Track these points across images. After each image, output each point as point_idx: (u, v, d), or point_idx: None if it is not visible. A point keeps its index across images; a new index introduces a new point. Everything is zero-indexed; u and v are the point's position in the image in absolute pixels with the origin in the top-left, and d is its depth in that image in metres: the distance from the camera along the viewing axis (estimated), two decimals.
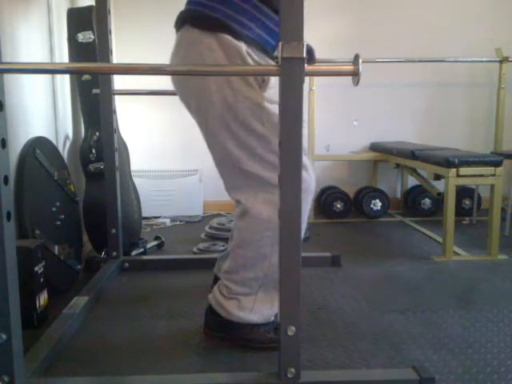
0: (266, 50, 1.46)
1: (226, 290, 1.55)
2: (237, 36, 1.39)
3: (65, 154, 2.43)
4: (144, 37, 3.45)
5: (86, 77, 2.47)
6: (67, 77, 2.52)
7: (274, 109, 1.39)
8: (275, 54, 1.46)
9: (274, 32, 1.45)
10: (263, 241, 1.47)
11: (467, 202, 3.44)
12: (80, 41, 2.46)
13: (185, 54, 1.46)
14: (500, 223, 2.48)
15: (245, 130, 1.42)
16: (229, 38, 1.39)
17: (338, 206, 3.43)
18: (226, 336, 1.57)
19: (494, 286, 2.09)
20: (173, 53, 1.51)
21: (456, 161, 2.42)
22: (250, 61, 1.40)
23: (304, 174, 1.43)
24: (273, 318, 1.57)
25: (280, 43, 1.10)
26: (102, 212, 2.27)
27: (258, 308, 1.53)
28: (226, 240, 2.74)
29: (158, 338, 1.61)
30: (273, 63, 1.48)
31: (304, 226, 1.54)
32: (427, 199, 3.49)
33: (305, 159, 1.45)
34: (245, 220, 1.50)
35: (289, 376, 1.21)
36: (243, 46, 1.39)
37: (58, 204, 2.07)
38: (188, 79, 1.47)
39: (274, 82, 1.42)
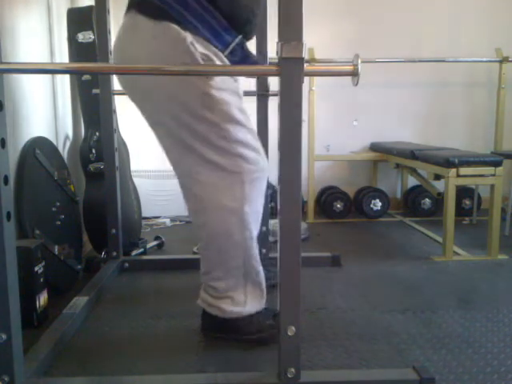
0: (210, 39, 1.42)
1: (212, 290, 1.55)
2: (182, 26, 1.37)
3: (65, 154, 2.43)
4: None
5: (86, 77, 2.47)
6: (67, 77, 2.52)
7: (223, 95, 1.40)
8: (225, 54, 1.44)
9: (220, 35, 1.42)
10: (231, 228, 1.48)
11: (467, 201, 3.44)
12: (80, 41, 2.46)
13: (129, 40, 1.45)
14: (500, 223, 2.47)
15: (195, 118, 1.42)
16: (174, 26, 1.36)
17: (338, 205, 3.43)
18: (225, 335, 1.57)
19: (494, 286, 2.09)
20: (118, 37, 1.49)
21: (456, 161, 2.42)
22: (192, 50, 1.37)
23: (253, 154, 1.47)
24: (264, 305, 1.58)
25: (279, 43, 1.10)
26: (102, 212, 2.27)
27: (250, 299, 1.54)
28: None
29: (158, 338, 1.61)
30: (221, 55, 1.44)
31: (259, 216, 1.56)
32: (427, 199, 3.49)
33: (252, 139, 1.48)
34: (207, 213, 1.50)
35: (289, 376, 1.21)
36: (188, 36, 1.36)
37: (58, 204, 2.07)
38: (136, 78, 1.46)
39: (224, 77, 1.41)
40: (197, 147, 1.44)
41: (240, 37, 1.44)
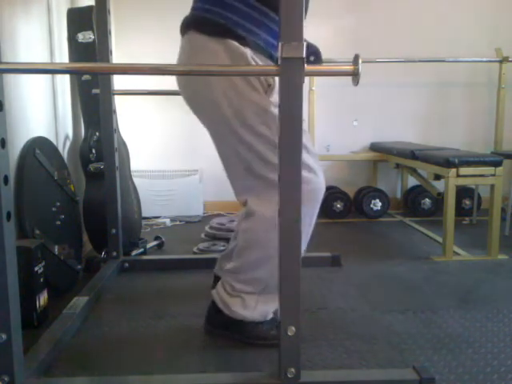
0: (272, 55, 1.46)
1: (229, 287, 1.55)
2: (242, 42, 1.39)
3: (65, 154, 2.43)
4: (144, 37, 3.45)
5: (86, 77, 2.47)
6: (67, 77, 2.52)
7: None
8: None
9: (277, 34, 1.44)
10: (270, 241, 1.47)
11: (467, 201, 3.44)
12: (80, 41, 2.46)
13: (189, 60, 1.46)
14: (500, 223, 2.48)
15: (252, 134, 1.43)
16: (235, 43, 1.38)
17: (338, 205, 3.43)
18: (228, 333, 1.57)
19: (494, 286, 2.09)
20: (178, 58, 1.51)
21: (456, 161, 2.42)
22: (254, 64, 1.40)
23: (307, 173, 1.44)
24: (271, 315, 1.58)
25: (280, 43, 1.10)
26: (102, 212, 2.27)
27: (260, 307, 1.54)
28: (226, 240, 2.74)
29: (158, 338, 1.61)
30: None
31: (309, 231, 1.56)
32: (427, 199, 3.49)
33: (308, 159, 1.46)
34: (251, 221, 1.50)
35: (289, 376, 1.21)
36: (249, 52, 1.39)
37: (58, 204, 2.07)
38: (196, 87, 1.47)
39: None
40: (252, 162, 1.45)
41: None
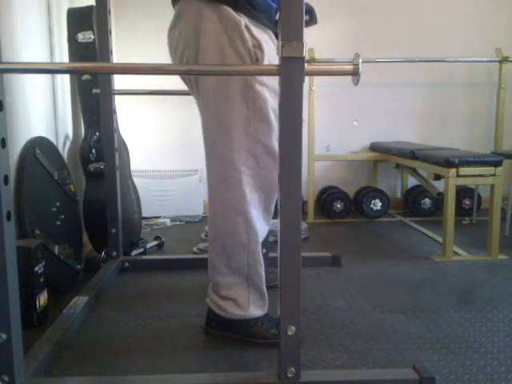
0: (268, 16, 1.43)
1: (217, 288, 1.56)
2: (237, 7, 1.37)
3: (65, 154, 2.43)
4: (144, 37, 3.45)
5: (86, 77, 2.47)
6: (67, 77, 2.52)
7: (264, 91, 1.40)
8: (277, 17, 1.43)
9: None
10: (236, 228, 1.48)
11: (467, 201, 3.44)
12: (80, 41, 2.46)
13: (183, 26, 1.44)
14: (500, 223, 2.48)
15: (228, 107, 1.41)
16: (229, 9, 1.37)
17: (338, 205, 3.43)
18: (228, 334, 1.58)
19: (494, 286, 2.09)
20: (171, 26, 1.49)
21: (456, 161, 2.42)
22: (246, 35, 1.37)
23: (270, 161, 1.45)
24: (266, 310, 1.59)
25: (280, 43, 1.10)
26: (102, 212, 2.27)
27: (253, 301, 1.55)
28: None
29: (157, 338, 1.61)
30: (271, 43, 1.46)
31: (267, 221, 1.57)
32: (427, 199, 3.50)
33: (276, 147, 1.44)
34: (214, 208, 1.51)
35: (289, 376, 1.21)
36: (242, 20, 1.38)
37: (58, 204, 2.07)
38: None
39: (268, 62, 1.41)
40: (220, 136, 1.44)
41: None
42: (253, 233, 1.50)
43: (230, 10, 1.37)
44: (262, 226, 1.54)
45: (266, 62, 1.41)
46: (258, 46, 1.38)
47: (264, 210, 1.54)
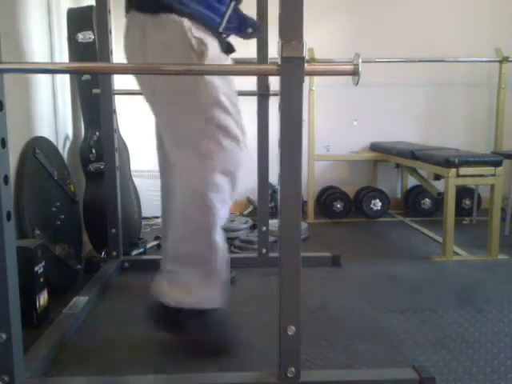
0: (211, 26, 1.45)
1: (169, 275, 1.50)
2: (179, 13, 1.39)
3: (65, 154, 2.43)
4: None
5: (86, 77, 2.47)
6: (67, 77, 2.52)
7: (212, 77, 1.41)
8: (220, 29, 1.47)
9: (215, 8, 1.45)
10: (194, 212, 1.46)
11: (467, 201, 3.44)
12: (80, 41, 2.46)
13: (131, 37, 1.48)
14: (500, 223, 2.47)
15: (181, 94, 1.42)
16: (172, 15, 1.39)
17: (338, 205, 3.43)
18: (174, 327, 1.51)
19: (494, 285, 2.09)
20: (124, 36, 1.52)
21: (456, 161, 2.42)
22: (189, 35, 1.39)
23: (224, 140, 1.44)
24: (220, 304, 1.52)
25: (280, 43, 1.10)
26: (102, 212, 2.27)
27: (207, 293, 1.49)
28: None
29: (157, 338, 1.61)
30: (215, 43, 1.46)
31: (226, 208, 1.52)
32: (427, 199, 3.50)
33: (227, 120, 1.45)
34: (176, 193, 1.50)
35: (289, 376, 1.21)
36: (185, 22, 1.39)
37: (58, 204, 2.07)
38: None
39: (213, 56, 1.42)
40: (175, 122, 1.46)
41: (233, 3, 1.47)
42: (212, 217, 1.46)
43: (173, 15, 1.39)
44: (222, 211, 1.50)
45: (210, 56, 1.42)
46: (202, 42, 1.41)
47: (228, 194, 1.51)
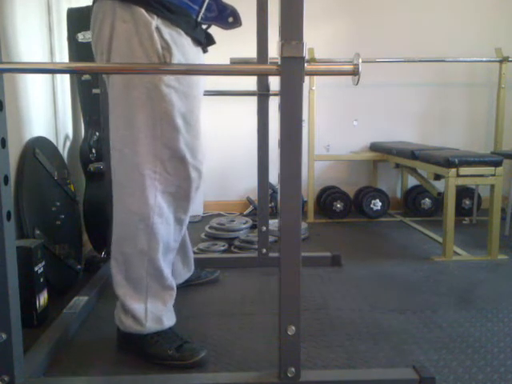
0: (187, 15, 1.39)
1: (120, 302, 1.48)
2: (150, 9, 1.33)
3: (65, 154, 2.43)
4: None
5: (86, 77, 2.47)
6: (67, 77, 2.52)
7: (171, 94, 1.35)
8: (199, 19, 1.42)
9: None
10: (137, 234, 1.40)
11: (467, 201, 3.44)
12: (80, 41, 2.46)
13: (100, 26, 1.39)
14: (500, 223, 2.48)
15: (135, 107, 1.36)
16: (141, 10, 1.33)
17: (338, 205, 3.43)
18: (130, 349, 1.49)
19: (494, 285, 2.09)
20: (91, 25, 1.45)
21: (456, 161, 2.42)
22: (155, 37, 1.34)
23: (176, 166, 1.40)
24: (171, 324, 1.50)
25: (280, 42, 1.10)
26: (102, 212, 2.27)
27: (151, 316, 1.45)
28: (226, 240, 2.75)
29: None
30: (189, 41, 1.42)
31: (173, 231, 1.48)
32: (427, 199, 3.49)
33: (185, 154, 1.41)
34: (116, 213, 1.44)
35: (289, 376, 1.21)
36: (154, 22, 1.33)
37: (58, 204, 2.07)
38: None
39: (177, 62, 1.37)
40: (125, 138, 1.38)
41: None
42: (154, 241, 1.41)
43: (142, 11, 1.33)
44: (168, 235, 1.46)
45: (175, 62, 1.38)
46: (167, 48, 1.35)
47: (174, 218, 1.47)
